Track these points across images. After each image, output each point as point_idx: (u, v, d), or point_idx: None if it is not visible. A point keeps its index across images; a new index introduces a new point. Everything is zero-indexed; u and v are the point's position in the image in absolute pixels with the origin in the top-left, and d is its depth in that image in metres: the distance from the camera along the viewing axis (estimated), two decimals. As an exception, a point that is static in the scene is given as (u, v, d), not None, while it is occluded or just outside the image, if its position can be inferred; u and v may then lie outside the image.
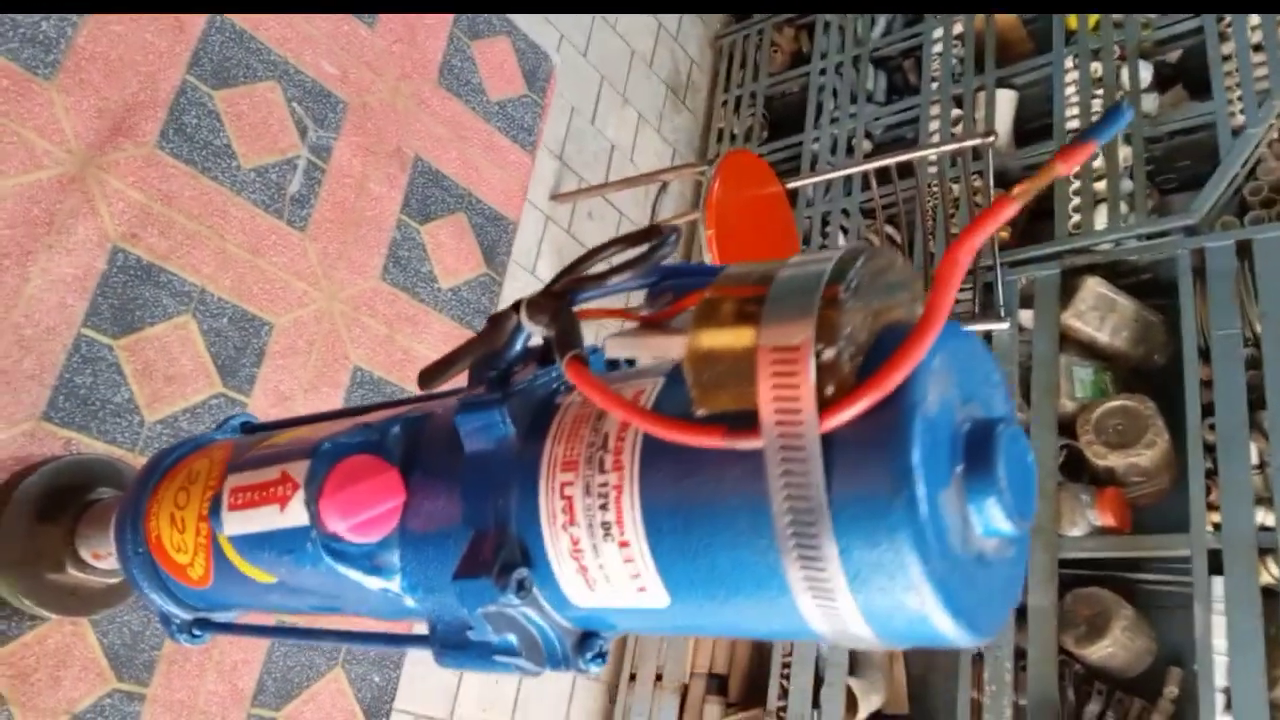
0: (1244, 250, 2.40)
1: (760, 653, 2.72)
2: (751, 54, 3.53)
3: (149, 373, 1.27)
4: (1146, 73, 2.80)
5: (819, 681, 2.36)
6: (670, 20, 3.46)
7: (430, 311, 1.54)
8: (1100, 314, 2.60)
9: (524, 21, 1.64)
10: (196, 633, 0.96)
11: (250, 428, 1.01)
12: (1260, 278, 2.34)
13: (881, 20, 3.31)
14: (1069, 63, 2.91)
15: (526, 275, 2.11)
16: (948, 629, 0.53)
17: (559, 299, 0.65)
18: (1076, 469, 2.54)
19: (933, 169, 2.91)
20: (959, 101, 3.03)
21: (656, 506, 0.59)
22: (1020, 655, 2.32)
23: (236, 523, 0.73)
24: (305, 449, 0.71)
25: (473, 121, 1.60)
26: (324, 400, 1.41)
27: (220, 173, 1.36)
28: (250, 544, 0.74)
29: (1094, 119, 2.78)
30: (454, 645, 0.72)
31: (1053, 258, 2.68)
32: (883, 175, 2.85)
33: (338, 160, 1.47)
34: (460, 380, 0.78)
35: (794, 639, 0.62)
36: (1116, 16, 2.85)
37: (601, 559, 0.62)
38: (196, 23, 1.35)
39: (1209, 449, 2.28)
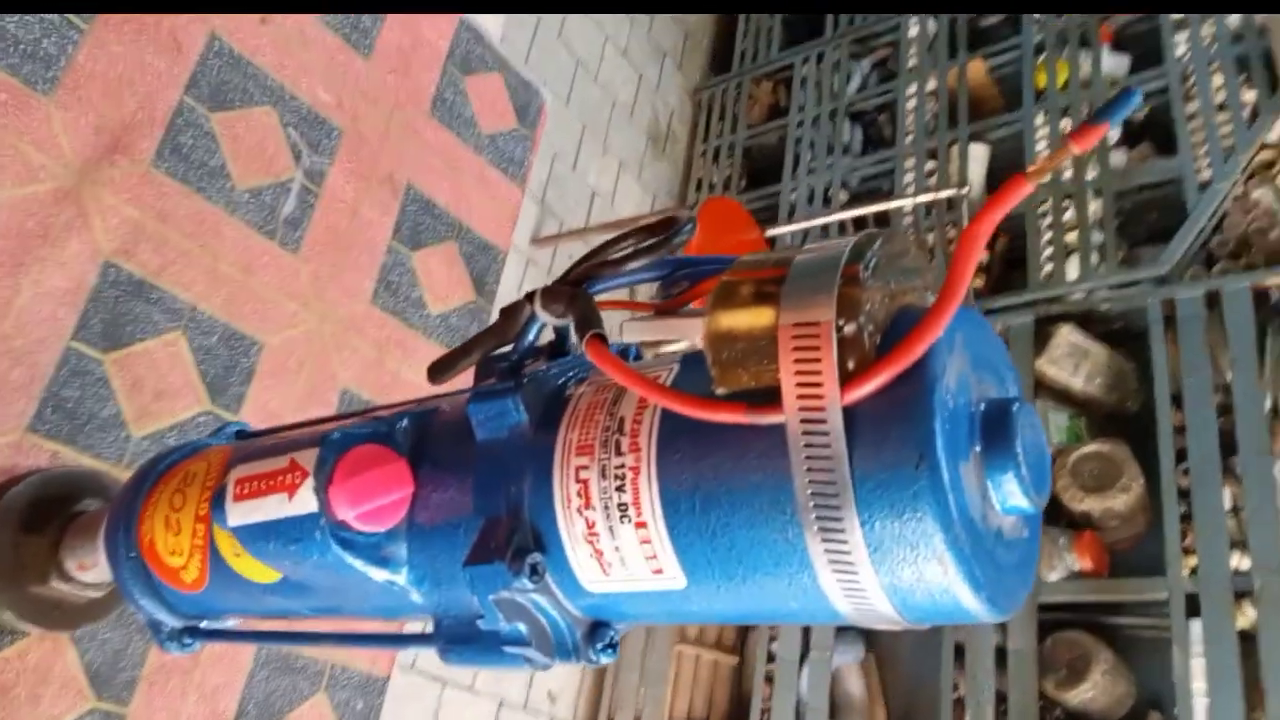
0: (1213, 300, 2.46)
1: (739, 697, 2.70)
2: (730, 106, 3.61)
3: (137, 388, 1.26)
4: (1115, 130, 2.89)
5: (798, 725, 2.34)
6: (651, 72, 3.53)
7: (419, 336, 1.54)
8: (1074, 361, 2.65)
9: (517, 60, 1.67)
10: (186, 641, 0.95)
11: (246, 435, 1.01)
12: (1229, 326, 2.40)
13: (857, 75, 3.40)
14: (1039, 119, 3.00)
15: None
16: (969, 601, 0.53)
17: (576, 286, 0.66)
18: (1053, 513, 2.57)
19: (908, 219, 2.97)
20: (933, 154, 3.11)
21: (674, 486, 0.60)
22: (1001, 699, 2.32)
23: (242, 513, 0.73)
24: (314, 438, 0.71)
25: (464, 153, 1.62)
26: (312, 422, 1.40)
27: (215, 193, 1.36)
28: (255, 535, 0.73)
29: (1071, 173, 2.86)
30: (460, 640, 0.71)
31: (1027, 306, 2.74)
32: (859, 225, 2.90)
33: (331, 185, 1.48)
34: (464, 380, 0.79)
35: (811, 621, 0.63)
36: (1084, 75, 2.94)
37: (618, 541, 0.62)
38: (195, 45, 1.36)
39: (1183, 494, 2.31)
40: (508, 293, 2.06)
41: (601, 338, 0.60)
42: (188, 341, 1.31)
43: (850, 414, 0.53)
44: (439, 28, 1.63)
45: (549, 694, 2.66)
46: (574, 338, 0.63)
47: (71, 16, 1.24)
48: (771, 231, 2.77)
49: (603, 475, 0.62)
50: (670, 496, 0.60)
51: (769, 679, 2.67)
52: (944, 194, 2.55)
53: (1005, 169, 3.09)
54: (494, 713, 2.46)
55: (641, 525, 0.61)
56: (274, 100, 1.43)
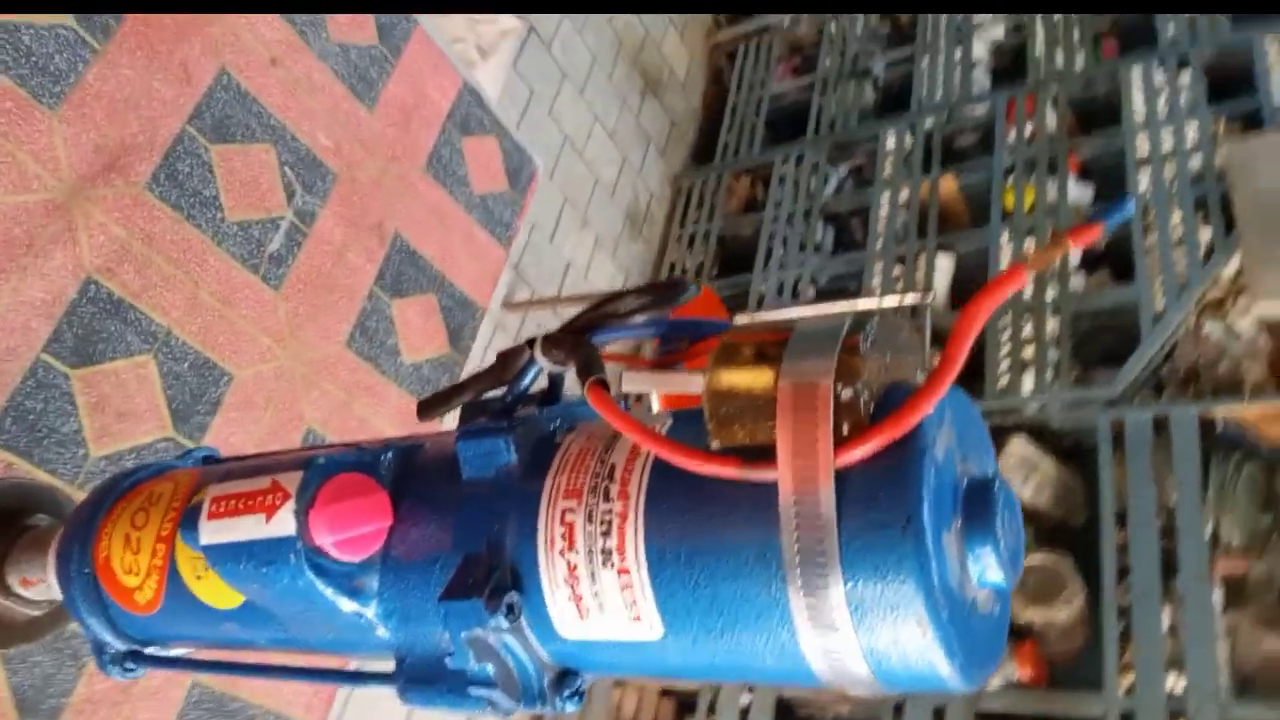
0: (1160, 424, 2.53)
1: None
2: (709, 196, 3.69)
3: (101, 407, 1.25)
4: (1075, 253, 2.99)
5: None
6: (635, 155, 3.61)
7: (390, 384, 1.54)
8: (1024, 472, 2.70)
9: (513, 124, 1.71)
10: (129, 666, 0.92)
11: (214, 461, 0.99)
12: (1175, 451, 2.46)
13: (834, 179, 3.50)
14: (1004, 236, 3.10)
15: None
16: (943, 667, 0.55)
17: (578, 334, 0.67)
18: (995, 622, 2.58)
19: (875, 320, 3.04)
20: (901, 260, 3.20)
21: (661, 535, 0.60)
22: (935, 805, 2.30)
23: (215, 531, 0.72)
24: (299, 461, 0.71)
25: (454, 210, 1.64)
26: (275, 458, 1.39)
27: (204, 221, 1.37)
28: (227, 555, 0.72)
29: (1031, 291, 2.95)
30: (422, 679, 0.71)
31: (982, 415, 2.79)
32: (826, 321, 2.96)
33: (320, 227, 1.49)
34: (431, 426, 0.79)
35: (782, 681, 0.63)
36: (1050, 199, 3.06)
37: (598, 586, 0.62)
38: (204, 78, 1.38)
39: (1123, 611, 2.35)
40: (476, 353, 2.07)
41: (603, 383, 0.62)
42: (158, 365, 1.30)
43: (841, 477, 0.55)
44: (442, 87, 1.67)
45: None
46: (576, 381, 0.64)
47: (87, 36, 1.26)
48: (740, 318, 2.82)
49: (589, 519, 0.63)
50: (655, 545, 0.61)
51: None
52: (909, 299, 2.62)
53: (969, 281, 3.18)
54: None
55: (624, 571, 0.61)
56: (275, 139, 1.45)
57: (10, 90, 1.19)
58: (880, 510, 0.54)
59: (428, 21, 1.67)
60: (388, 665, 0.75)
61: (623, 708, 2.79)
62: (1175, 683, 2.17)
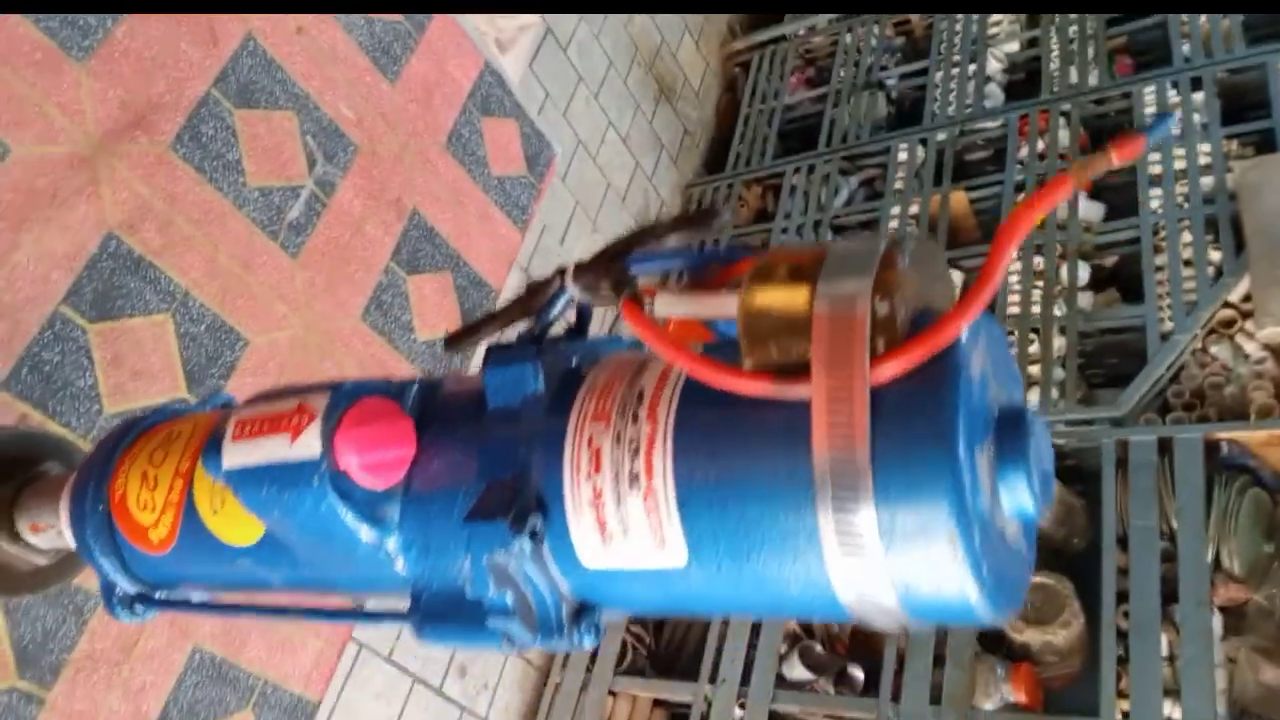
0: (1165, 447, 2.51)
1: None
2: (720, 205, 3.70)
3: (117, 363, 1.25)
4: (1085, 272, 2.99)
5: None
6: (647, 161, 3.62)
7: (402, 360, 1.54)
8: (1028, 488, 2.68)
9: (533, 110, 1.72)
10: (138, 609, 0.91)
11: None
12: (1178, 475, 2.45)
13: (845, 191, 3.51)
14: (1013, 254, 3.09)
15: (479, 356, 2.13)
16: (970, 590, 0.54)
17: (611, 259, 0.67)
18: (994, 642, 2.56)
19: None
20: (911, 272, 3.19)
21: (689, 457, 0.60)
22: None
23: (239, 454, 0.72)
24: (325, 386, 0.71)
25: (472, 189, 1.65)
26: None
27: (226, 185, 1.37)
28: (249, 479, 0.72)
29: (1039, 309, 2.95)
30: (438, 614, 0.70)
31: (988, 426, 2.78)
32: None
33: (340, 198, 1.49)
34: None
35: (808, 613, 0.61)
36: (1061, 217, 3.06)
37: (623, 510, 0.62)
38: (231, 43, 1.39)
39: (1121, 635, 2.32)
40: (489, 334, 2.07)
41: (637, 299, 0.61)
42: (175, 325, 1.30)
43: (875, 395, 0.54)
44: (464, 66, 1.68)
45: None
46: (608, 301, 0.64)
47: (118, -8, 1.27)
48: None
49: (616, 443, 0.63)
50: (684, 467, 0.60)
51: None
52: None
53: (978, 295, 3.17)
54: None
55: (650, 494, 0.61)
56: (297, 107, 1.46)
57: (40, 42, 1.20)
58: (915, 426, 0.53)
59: None
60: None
61: (614, 717, 2.76)
62: (1171, 710, 2.15)
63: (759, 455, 0.58)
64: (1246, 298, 2.82)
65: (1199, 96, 2.93)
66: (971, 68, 3.52)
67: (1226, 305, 2.80)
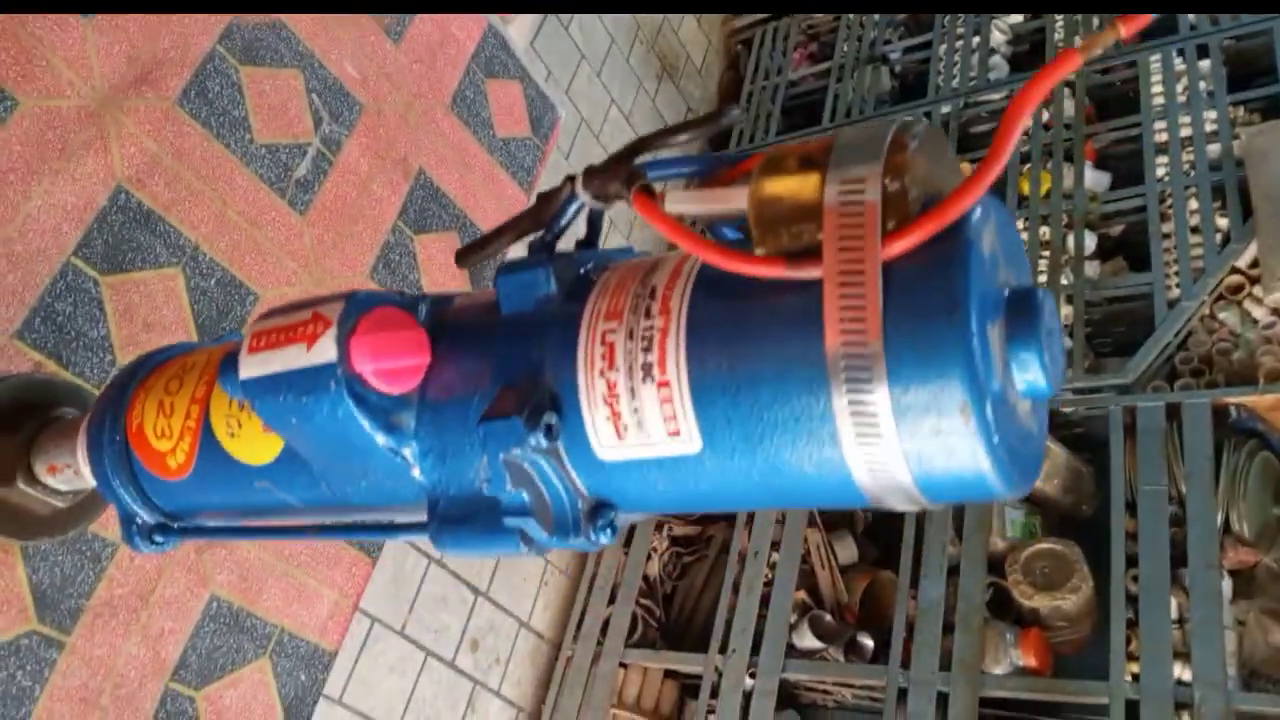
0: (1173, 413, 2.51)
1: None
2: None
3: (129, 315, 1.25)
4: (1091, 241, 2.98)
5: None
6: (651, 140, 3.63)
7: (412, 318, 1.54)
8: (1036, 455, 2.68)
9: (538, 73, 1.72)
10: (158, 539, 0.92)
11: (244, 346, 1.00)
12: (1186, 440, 2.44)
13: (849, 166, 3.50)
14: (1020, 223, 3.10)
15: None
16: (984, 462, 0.54)
17: (621, 160, 0.67)
18: (1003, 607, 2.56)
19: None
20: (916, 245, 3.18)
21: (702, 345, 0.60)
22: (942, 781, 2.27)
23: (256, 364, 0.72)
24: (340, 295, 0.71)
25: (477, 150, 1.65)
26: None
27: (233, 141, 1.38)
28: (266, 388, 0.72)
29: (1045, 278, 2.95)
30: (456, 520, 0.70)
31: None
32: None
33: (346, 156, 1.50)
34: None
35: (824, 499, 0.61)
36: (1067, 186, 3.05)
37: (638, 402, 0.62)
38: None
39: (1131, 599, 2.32)
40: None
41: (649, 190, 0.62)
42: (185, 279, 1.31)
43: (886, 272, 0.55)
44: (468, 28, 1.68)
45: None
46: (621, 199, 0.65)
47: (124, -55, 1.27)
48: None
49: (630, 337, 0.63)
50: (697, 354, 0.61)
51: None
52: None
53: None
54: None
55: (664, 384, 0.61)
56: (303, 65, 1.46)
57: (47, -5, 1.20)
58: (927, 299, 0.54)
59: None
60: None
61: (625, 691, 2.77)
62: (1181, 673, 2.15)
63: (772, 339, 0.58)
64: (1254, 263, 2.82)
65: (1205, 64, 2.93)
66: (975, 40, 3.52)
67: (1234, 271, 2.79)
